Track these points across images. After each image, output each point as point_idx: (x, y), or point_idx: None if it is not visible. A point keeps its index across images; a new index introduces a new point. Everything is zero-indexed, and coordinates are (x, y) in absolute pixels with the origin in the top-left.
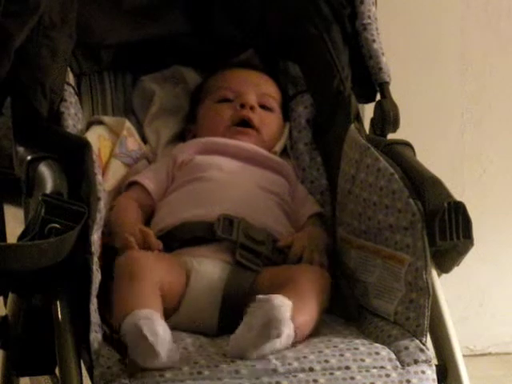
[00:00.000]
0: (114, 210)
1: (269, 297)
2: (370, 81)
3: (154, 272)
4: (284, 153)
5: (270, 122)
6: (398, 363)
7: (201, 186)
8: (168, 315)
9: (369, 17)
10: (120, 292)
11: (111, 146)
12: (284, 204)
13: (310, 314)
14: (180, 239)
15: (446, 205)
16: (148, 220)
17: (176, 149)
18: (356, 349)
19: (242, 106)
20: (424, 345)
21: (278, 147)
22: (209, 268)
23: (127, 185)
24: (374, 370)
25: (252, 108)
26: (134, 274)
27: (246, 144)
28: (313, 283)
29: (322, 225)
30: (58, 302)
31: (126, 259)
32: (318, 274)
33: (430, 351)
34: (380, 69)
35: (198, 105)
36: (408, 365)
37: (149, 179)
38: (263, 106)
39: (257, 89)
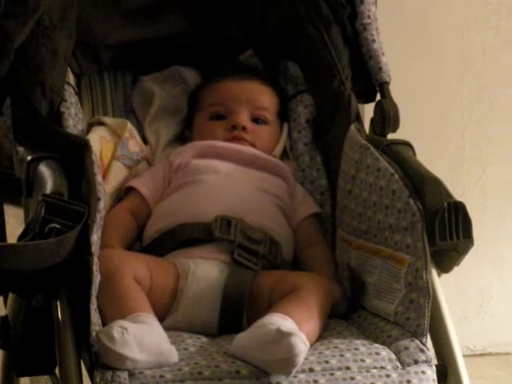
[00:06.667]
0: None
1: (291, 332)
2: (369, 81)
3: (129, 266)
4: (284, 154)
5: (263, 136)
6: (398, 363)
7: (197, 188)
8: (160, 315)
9: (369, 17)
10: (102, 293)
11: (113, 147)
12: (282, 204)
13: (315, 323)
14: (177, 240)
15: (446, 205)
16: (143, 226)
17: (174, 153)
18: (356, 349)
19: (234, 127)
20: (424, 345)
21: (277, 151)
22: (206, 269)
23: (124, 190)
24: (375, 371)
25: (244, 128)
26: (111, 272)
27: (243, 147)
28: (316, 292)
29: (320, 225)
30: (58, 302)
31: (101, 259)
32: (320, 282)
33: (430, 351)
34: (380, 69)
35: (194, 114)
36: (408, 365)
37: (145, 185)
38: (256, 120)
39: (250, 105)
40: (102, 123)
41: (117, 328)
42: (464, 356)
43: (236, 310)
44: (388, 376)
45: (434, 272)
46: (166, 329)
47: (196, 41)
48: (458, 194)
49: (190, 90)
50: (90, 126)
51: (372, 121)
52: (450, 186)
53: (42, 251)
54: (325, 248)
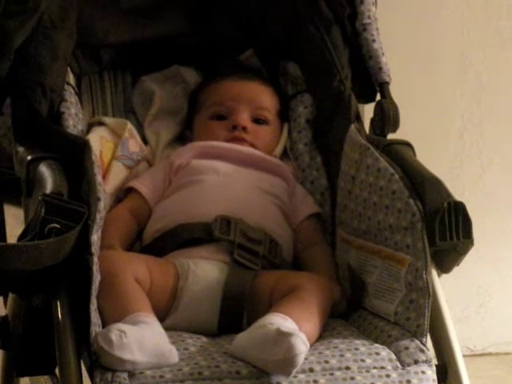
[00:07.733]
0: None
1: (291, 332)
2: (369, 81)
3: (129, 267)
4: (284, 154)
5: (264, 136)
6: (398, 363)
7: (197, 189)
8: (160, 315)
9: (369, 17)
10: (102, 293)
11: (113, 147)
12: (282, 205)
13: (314, 323)
14: (177, 240)
15: (446, 205)
16: (144, 226)
17: (174, 153)
18: (356, 349)
19: (234, 127)
20: (424, 345)
21: (278, 151)
22: (206, 269)
23: (125, 191)
24: (375, 371)
25: (244, 128)
26: (111, 273)
27: (243, 147)
28: (316, 292)
29: (320, 225)
30: (58, 302)
31: (101, 260)
32: (320, 282)
33: (430, 351)
34: (380, 69)
35: (194, 114)
36: (408, 365)
37: (145, 185)
38: (257, 120)
39: (250, 105)
40: (102, 123)
41: (115, 331)
42: (464, 356)
43: (236, 310)
44: (388, 376)
45: (434, 272)
46: (166, 329)
47: (196, 41)
48: (458, 194)
49: (190, 90)
50: (90, 126)
51: (372, 121)
52: (450, 186)
53: (42, 251)
54: (325, 248)
